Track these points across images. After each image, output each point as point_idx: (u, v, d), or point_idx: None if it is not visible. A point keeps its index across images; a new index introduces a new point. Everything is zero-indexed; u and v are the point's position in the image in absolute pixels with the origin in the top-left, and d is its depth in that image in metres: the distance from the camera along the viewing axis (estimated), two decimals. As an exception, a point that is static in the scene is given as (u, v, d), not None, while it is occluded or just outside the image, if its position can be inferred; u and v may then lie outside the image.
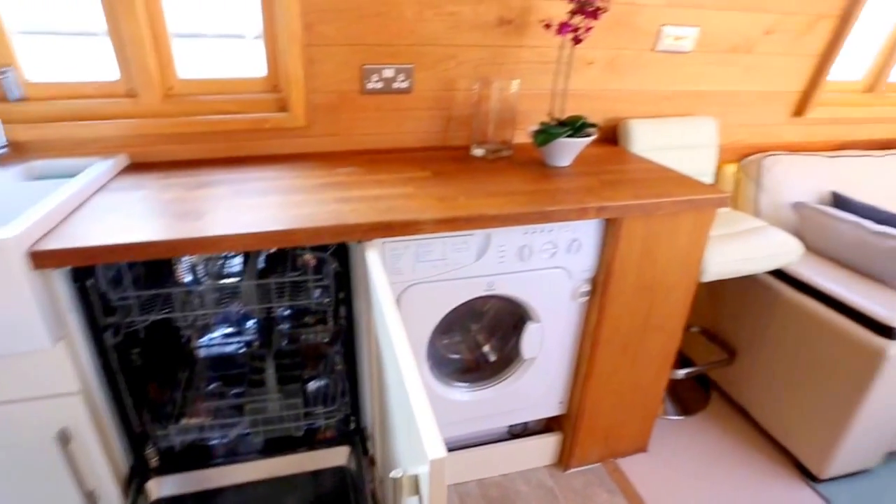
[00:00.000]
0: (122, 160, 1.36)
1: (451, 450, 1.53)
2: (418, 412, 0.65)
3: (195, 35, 1.56)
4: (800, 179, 1.90)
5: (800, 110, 1.98)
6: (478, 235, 1.18)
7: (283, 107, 1.45)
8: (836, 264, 1.67)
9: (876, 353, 1.37)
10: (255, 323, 1.62)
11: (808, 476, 1.63)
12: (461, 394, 1.41)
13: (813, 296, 1.55)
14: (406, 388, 0.69)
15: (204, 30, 1.64)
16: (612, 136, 1.77)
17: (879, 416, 1.47)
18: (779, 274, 1.65)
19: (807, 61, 1.89)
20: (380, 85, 1.46)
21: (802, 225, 1.80)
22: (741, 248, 1.51)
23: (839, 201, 1.84)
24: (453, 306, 1.24)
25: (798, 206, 1.82)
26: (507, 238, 1.20)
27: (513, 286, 1.27)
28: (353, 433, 1.45)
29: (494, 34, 1.50)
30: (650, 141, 1.72)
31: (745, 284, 1.76)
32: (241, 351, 1.60)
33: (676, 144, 1.75)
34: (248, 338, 1.62)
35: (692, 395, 1.96)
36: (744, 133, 1.99)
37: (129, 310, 1.16)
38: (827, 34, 1.84)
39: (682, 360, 2.06)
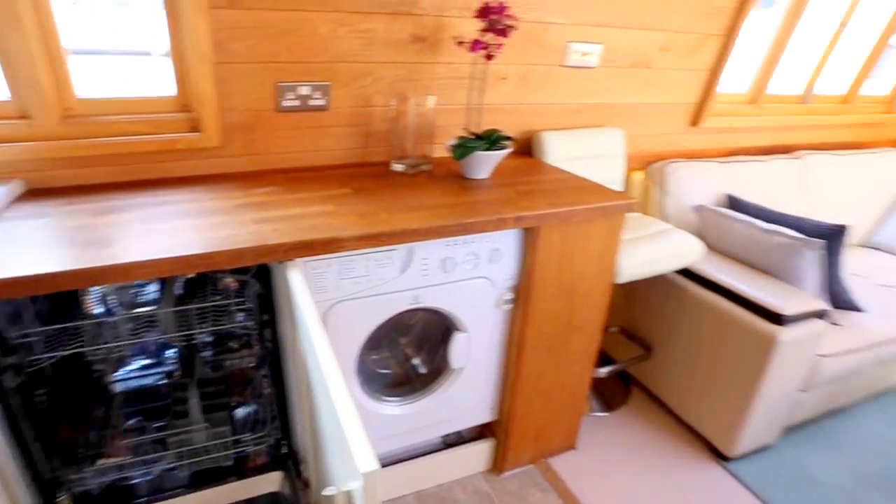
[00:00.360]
0: (16, 187, 1.27)
1: (386, 464, 1.53)
2: (348, 428, 0.65)
3: (96, 52, 1.48)
4: (699, 184, 2.08)
5: (695, 120, 2.17)
6: (400, 250, 1.20)
7: (195, 127, 1.40)
8: (733, 260, 1.84)
9: (769, 338, 1.52)
10: (175, 352, 1.55)
11: (720, 456, 1.78)
12: (393, 408, 1.42)
13: (714, 290, 1.70)
14: (335, 405, 0.70)
15: (106, 46, 1.56)
16: (527, 148, 1.85)
17: (775, 395, 1.63)
18: (685, 272, 1.80)
19: (698, 75, 2.07)
20: (296, 103, 1.45)
21: (703, 225, 1.97)
22: (651, 250, 1.63)
23: (734, 203, 2.03)
24: (380, 322, 1.25)
25: (699, 209, 1.99)
26: (430, 251, 1.23)
27: (438, 298, 1.29)
28: (285, 457, 1.42)
29: (409, 51, 1.54)
30: (563, 152, 1.82)
31: (656, 284, 1.90)
32: (162, 382, 1.52)
33: (588, 154, 1.86)
34: (168, 368, 1.54)
35: (615, 391, 2.08)
36: (648, 142, 2.14)
37: (31, 347, 1.08)
38: (714, 51, 2.03)
39: (603, 359, 2.17)
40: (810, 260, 1.62)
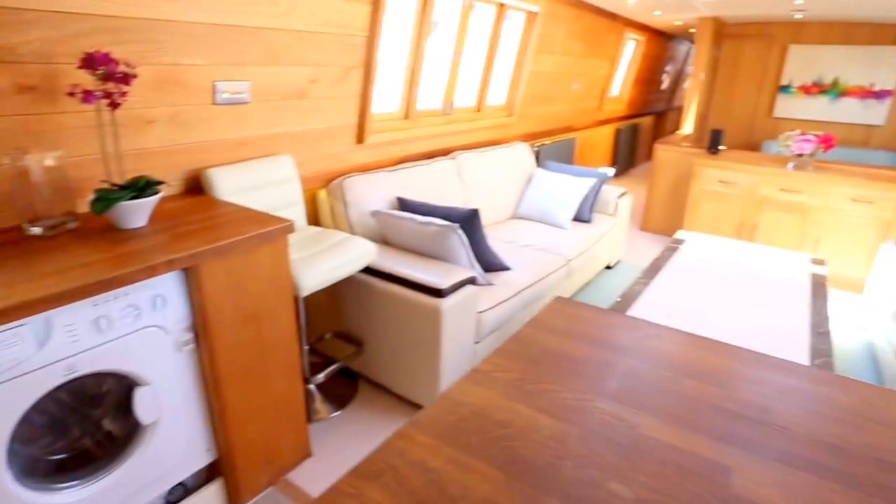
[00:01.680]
0: None
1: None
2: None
3: None
4: (374, 192, 2.40)
5: (360, 138, 2.49)
6: (32, 323, 1.10)
7: None
8: (406, 252, 2.19)
9: (435, 310, 1.88)
10: None
11: (433, 414, 2.11)
12: (79, 491, 1.29)
13: (393, 280, 2.01)
14: None
15: None
16: (198, 185, 1.87)
17: (456, 352, 2.02)
18: (369, 270, 2.07)
19: (352, 101, 2.39)
20: None
21: (381, 227, 2.29)
22: (332, 260, 1.83)
23: (402, 203, 2.41)
24: (26, 407, 1.12)
25: (375, 214, 2.30)
26: (75, 315, 1.16)
27: (101, 360, 1.23)
28: None
29: (16, 102, 1.39)
30: (234, 185, 1.89)
31: (351, 286, 2.13)
32: None
33: (261, 183, 1.97)
34: None
35: (343, 389, 2.27)
36: (322, 162, 2.38)
37: None
38: (359, 80, 2.37)
39: (327, 364, 2.34)
40: (457, 240, 2.06)
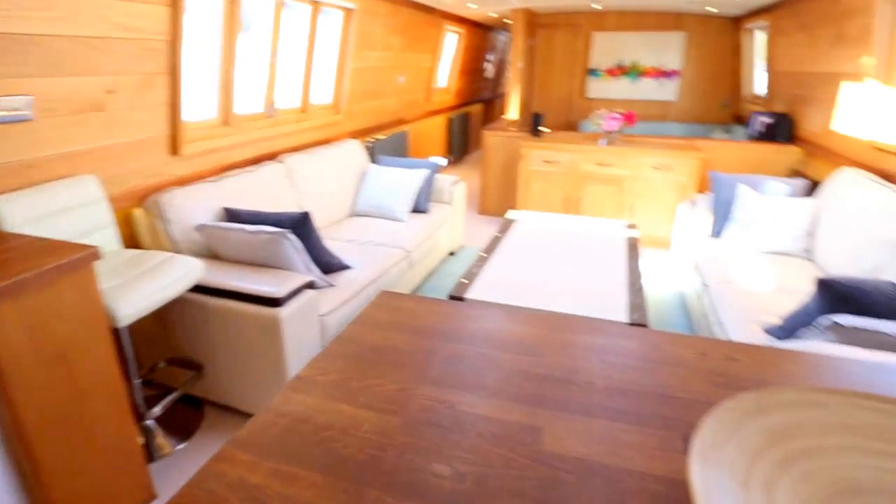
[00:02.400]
0: None
1: None
2: None
3: None
4: (198, 205, 2.24)
5: (175, 150, 2.29)
6: None
7: None
8: (239, 265, 2.09)
9: (274, 320, 1.84)
10: None
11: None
12: None
13: (228, 295, 1.91)
14: None
15: None
16: (-36, 220, 1.57)
17: (298, 360, 2.00)
18: (200, 288, 1.94)
19: (160, 110, 2.18)
20: None
21: (208, 241, 2.16)
22: (153, 283, 1.67)
23: (230, 214, 2.29)
24: None
25: (200, 228, 2.15)
26: None
27: None
28: None
29: None
30: (26, 214, 1.62)
31: (182, 307, 1.98)
32: None
33: (61, 208, 1.72)
34: None
35: (187, 419, 2.11)
36: (136, 178, 2.15)
37: None
38: (165, 87, 2.17)
39: (166, 395, 2.15)
40: (289, 246, 2.03)
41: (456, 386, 0.84)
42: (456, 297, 2.13)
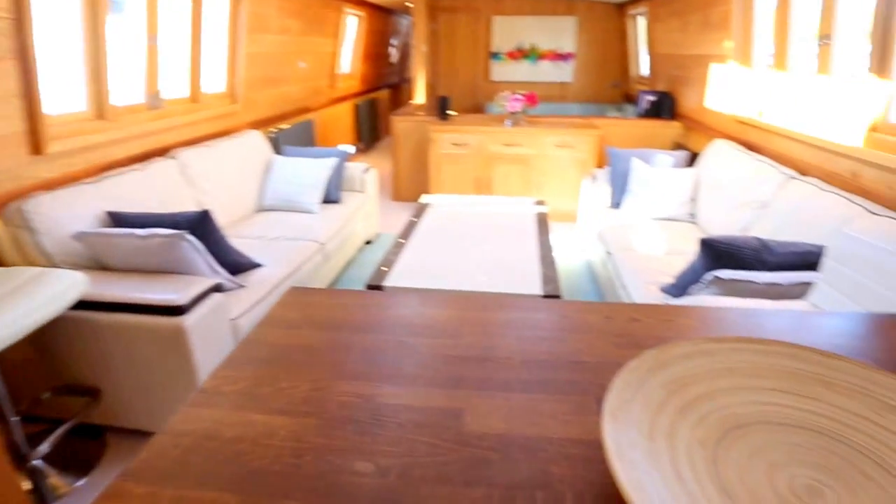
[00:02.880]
0: None
1: None
2: None
3: None
4: (74, 211, 2.00)
5: (38, 149, 2.02)
6: None
7: None
8: (132, 274, 1.91)
9: (179, 330, 1.70)
10: None
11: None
12: None
13: (122, 309, 1.74)
14: None
15: None
16: None
17: (210, 369, 1.88)
18: (87, 304, 1.74)
19: (11, 102, 1.91)
20: None
21: (92, 251, 1.94)
22: (20, 305, 1.47)
23: (116, 218, 2.07)
24: None
25: (79, 237, 1.92)
26: None
27: None
28: None
29: None
30: None
31: (66, 328, 1.76)
32: None
33: None
34: None
35: (86, 451, 1.90)
36: (-14, 184, 1.87)
37: None
38: (15, 75, 1.89)
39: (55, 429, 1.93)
40: (189, 248, 1.88)
41: (374, 378, 0.82)
42: (374, 286, 2.10)
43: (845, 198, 2.07)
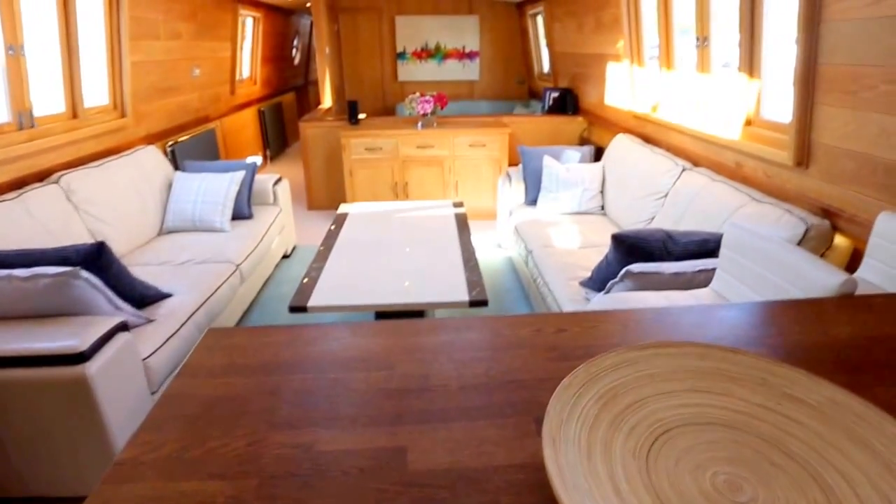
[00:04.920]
0: None
1: None
2: None
3: None
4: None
5: None
6: None
7: None
8: (15, 321, 1.68)
9: (81, 378, 1.52)
10: None
11: None
12: None
13: (9, 364, 1.52)
14: None
15: None
16: None
17: (122, 417, 1.72)
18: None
19: None
20: None
21: (-37, 299, 1.69)
22: None
23: (-10, 259, 1.83)
24: None
25: (-55, 284, 1.67)
26: None
27: None
28: None
29: None
30: None
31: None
32: None
33: None
34: None
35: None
36: None
37: None
38: None
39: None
40: (84, 286, 1.69)
41: (311, 423, 0.79)
42: (298, 308, 2.02)
43: (733, 186, 2.30)
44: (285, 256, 3.62)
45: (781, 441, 0.69)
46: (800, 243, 1.86)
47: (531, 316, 1.09)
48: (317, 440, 0.75)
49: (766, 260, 1.49)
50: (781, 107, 2.22)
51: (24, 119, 2.42)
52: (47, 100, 2.63)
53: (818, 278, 1.32)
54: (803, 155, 2.04)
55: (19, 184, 2.33)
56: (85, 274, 1.69)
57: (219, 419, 0.80)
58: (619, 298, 1.74)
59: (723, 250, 1.67)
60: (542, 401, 0.82)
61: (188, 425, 0.78)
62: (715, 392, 0.78)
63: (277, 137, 6.82)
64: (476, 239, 2.91)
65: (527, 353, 0.95)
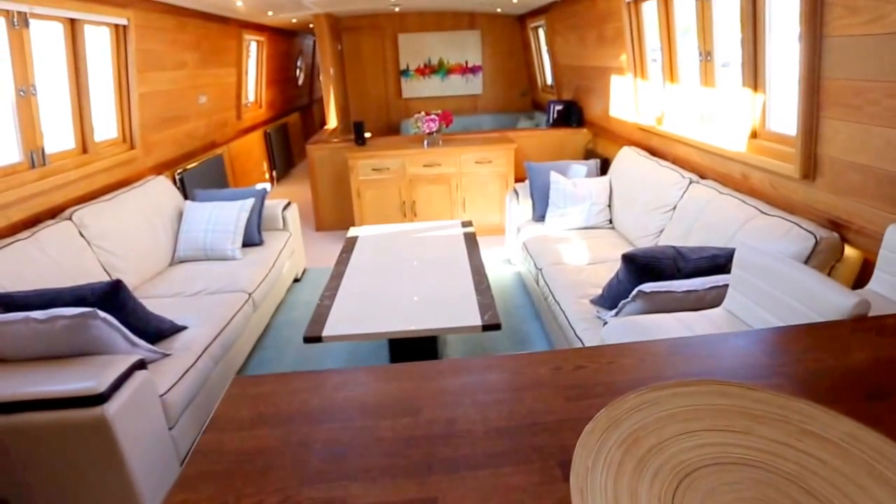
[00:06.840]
0: None
1: None
2: None
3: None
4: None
5: None
6: None
7: None
8: (32, 363, 1.69)
9: (100, 421, 1.53)
10: None
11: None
12: None
13: (23, 408, 1.53)
14: None
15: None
16: None
17: (152, 457, 1.72)
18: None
19: None
20: None
21: (-15, 343, 1.72)
22: None
23: (3, 301, 1.84)
24: None
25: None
26: None
27: None
28: None
29: None
30: None
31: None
32: None
33: None
34: None
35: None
36: None
37: None
38: None
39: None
40: (101, 326, 1.71)
41: (342, 476, 0.80)
42: (313, 338, 2.03)
43: (740, 199, 2.30)
44: (296, 280, 3.63)
45: (804, 479, 0.70)
46: (810, 256, 1.86)
47: (549, 353, 1.10)
48: (349, 494, 0.76)
49: (778, 280, 1.49)
50: (788, 117, 2.23)
51: (36, 157, 2.46)
52: (57, 136, 2.68)
53: (832, 300, 1.32)
54: (809, 167, 2.05)
55: (33, 221, 2.36)
56: (102, 314, 1.71)
57: (249, 474, 0.81)
58: (633, 323, 1.74)
59: (734, 270, 1.67)
60: (566, 443, 0.82)
61: (221, 482, 0.80)
62: (735, 430, 0.78)
63: (283, 158, 6.88)
64: (485, 255, 2.91)
65: (548, 393, 0.96)
